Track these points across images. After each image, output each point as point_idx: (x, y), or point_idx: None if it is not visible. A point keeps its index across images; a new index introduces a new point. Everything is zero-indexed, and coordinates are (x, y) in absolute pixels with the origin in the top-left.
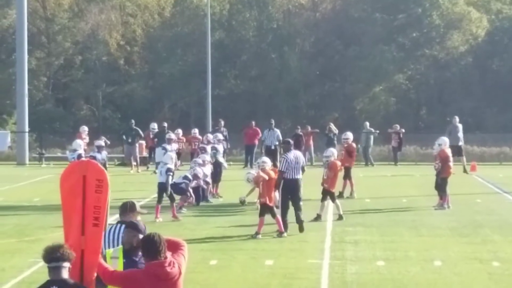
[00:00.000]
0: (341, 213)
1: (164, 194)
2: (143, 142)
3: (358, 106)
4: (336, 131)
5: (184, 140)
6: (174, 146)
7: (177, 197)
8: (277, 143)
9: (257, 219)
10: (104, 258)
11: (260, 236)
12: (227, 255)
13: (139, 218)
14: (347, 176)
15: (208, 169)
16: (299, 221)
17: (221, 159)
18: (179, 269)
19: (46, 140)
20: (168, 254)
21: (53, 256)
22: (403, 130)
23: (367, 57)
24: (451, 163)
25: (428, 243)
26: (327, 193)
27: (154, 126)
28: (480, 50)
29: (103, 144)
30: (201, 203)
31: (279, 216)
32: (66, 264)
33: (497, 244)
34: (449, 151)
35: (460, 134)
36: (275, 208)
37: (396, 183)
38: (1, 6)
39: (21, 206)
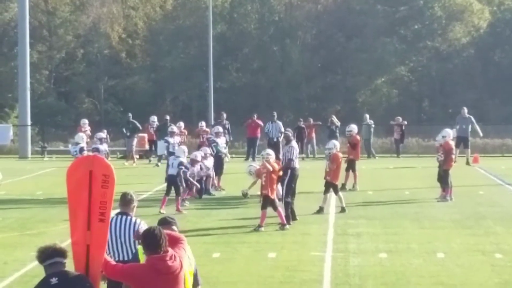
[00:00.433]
0: (344, 205)
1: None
2: (145, 135)
3: (360, 98)
4: (338, 123)
5: (186, 133)
6: (177, 139)
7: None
8: (279, 135)
9: (259, 212)
10: (136, 254)
11: (262, 228)
12: (230, 248)
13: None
14: (352, 168)
15: (210, 162)
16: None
17: (222, 151)
18: (181, 263)
19: (48, 134)
20: (169, 248)
21: (47, 253)
22: (405, 122)
23: (369, 49)
24: (453, 156)
25: (431, 235)
26: (329, 186)
27: (154, 119)
28: (482, 42)
29: (105, 136)
30: (204, 196)
31: (280, 209)
32: (62, 260)
33: (499, 236)
34: (452, 143)
35: (469, 126)
36: (277, 201)
37: (398, 175)
38: None
39: (23, 200)
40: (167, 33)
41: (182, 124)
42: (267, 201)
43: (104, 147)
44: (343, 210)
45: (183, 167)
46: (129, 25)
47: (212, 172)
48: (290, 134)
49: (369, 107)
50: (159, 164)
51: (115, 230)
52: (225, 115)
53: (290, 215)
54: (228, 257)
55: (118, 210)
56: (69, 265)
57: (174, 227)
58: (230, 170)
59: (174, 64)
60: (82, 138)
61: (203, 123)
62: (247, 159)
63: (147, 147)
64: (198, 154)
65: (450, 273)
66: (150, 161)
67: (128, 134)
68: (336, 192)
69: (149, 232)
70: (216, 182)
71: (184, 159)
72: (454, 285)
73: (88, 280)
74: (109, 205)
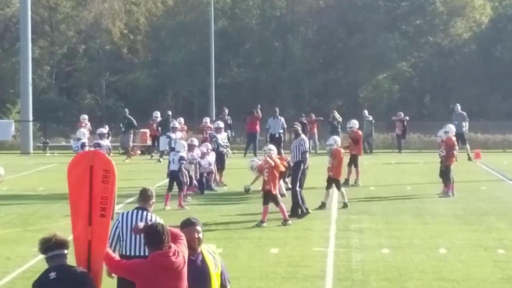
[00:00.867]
0: (346, 201)
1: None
2: (147, 131)
3: (362, 94)
4: (340, 119)
5: (186, 128)
6: (179, 134)
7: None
8: (281, 131)
9: (261, 207)
10: None
11: (265, 224)
12: (232, 244)
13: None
14: (354, 163)
15: (212, 157)
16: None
17: (220, 143)
18: (184, 259)
19: (50, 129)
20: (172, 244)
21: (48, 245)
22: (407, 118)
23: (370, 45)
24: (456, 151)
25: (433, 230)
26: (332, 181)
27: (157, 114)
28: (483, 37)
29: (105, 131)
30: (206, 192)
31: (282, 204)
32: (63, 251)
33: (502, 232)
34: (455, 139)
35: (464, 122)
36: (279, 196)
37: (400, 170)
38: None
39: (25, 195)
40: (168, 28)
41: (182, 120)
42: (269, 197)
43: (106, 142)
44: (345, 205)
45: (184, 162)
46: (130, 21)
47: (214, 168)
48: (299, 128)
49: (371, 102)
50: (161, 159)
51: (131, 224)
52: (227, 111)
53: (301, 207)
54: (231, 253)
55: (120, 205)
56: (71, 261)
57: (198, 227)
58: (231, 165)
59: (175, 59)
60: (83, 133)
61: (207, 119)
62: (245, 155)
63: (149, 142)
64: (195, 139)
65: (452, 268)
66: (152, 156)
67: (123, 129)
68: (338, 187)
69: (152, 228)
70: (218, 177)
71: (185, 154)
72: (456, 280)
73: (87, 275)
74: (110, 201)
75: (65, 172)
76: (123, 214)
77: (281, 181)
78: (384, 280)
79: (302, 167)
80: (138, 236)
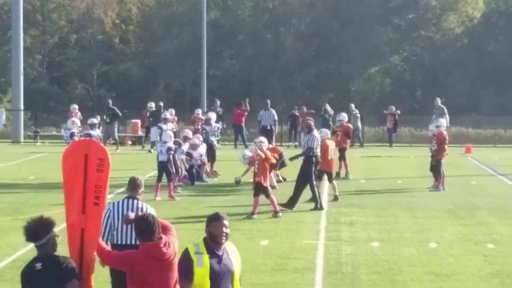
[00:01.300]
0: (337, 194)
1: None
2: (138, 121)
3: (353, 87)
4: (331, 112)
5: (176, 119)
6: (170, 125)
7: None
8: (272, 123)
9: (252, 199)
10: (187, 253)
11: (255, 216)
12: None
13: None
14: (343, 157)
15: (203, 149)
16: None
17: (212, 138)
18: (174, 250)
19: (41, 119)
20: (164, 236)
21: (34, 233)
22: (399, 112)
23: (363, 38)
24: (447, 146)
25: (423, 224)
26: (322, 174)
27: (152, 105)
28: (476, 32)
29: (96, 122)
30: (196, 183)
31: (273, 196)
32: (53, 232)
33: (492, 226)
34: (446, 133)
35: (444, 116)
36: (269, 189)
37: (391, 164)
38: None
39: (16, 184)
40: (160, 19)
41: (173, 111)
42: (259, 189)
43: (97, 132)
44: (336, 198)
45: (172, 152)
46: (122, 11)
47: (205, 159)
48: (312, 124)
49: (362, 96)
50: (152, 150)
51: (122, 213)
52: (218, 102)
53: (318, 200)
54: None
55: (111, 195)
56: (64, 249)
57: (226, 222)
58: (222, 157)
59: (167, 50)
60: (72, 123)
61: (199, 111)
62: (235, 146)
63: (140, 133)
64: (189, 131)
65: (442, 262)
66: (143, 147)
67: (108, 120)
68: (330, 180)
69: (143, 219)
70: (208, 168)
71: (172, 144)
72: (446, 274)
73: (72, 265)
74: (104, 189)
75: (56, 162)
76: (113, 203)
77: (272, 173)
78: (374, 273)
79: (314, 161)
80: (130, 225)
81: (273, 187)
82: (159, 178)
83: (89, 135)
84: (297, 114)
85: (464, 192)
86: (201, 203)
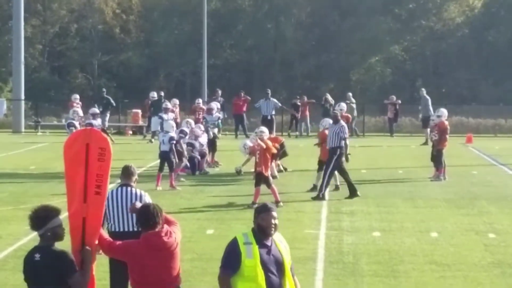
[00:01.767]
0: (338, 183)
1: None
2: (139, 111)
3: (354, 77)
4: (332, 101)
5: (174, 109)
6: (171, 115)
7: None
8: (273, 112)
9: (253, 189)
10: (235, 244)
11: (256, 205)
12: (223, 225)
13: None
14: None
15: (204, 139)
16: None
17: (213, 128)
18: (176, 240)
19: (42, 108)
20: (166, 226)
21: (37, 222)
22: (399, 101)
23: (363, 28)
24: (448, 135)
25: (424, 214)
26: (323, 163)
27: (154, 94)
28: (476, 22)
29: (98, 111)
30: (197, 173)
31: (274, 186)
32: (54, 223)
33: (493, 216)
34: (447, 123)
35: (430, 107)
36: (271, 178)
37: (392, 154)
38: None
39: (17, 174)
40: (161, 8)
41: (177, 101)
42: (260, 178)
43: (98, 122)
44: (337, 188)
45: (174, 142)
46: (123, 0)
47: (206, 149)
48: (338, 114)
49: (363, 85)
50: (153, 140)
51: (117, 201)
52: (220, 92)
53: (323, 190)
54: (222, 234)
55: (112, 185)
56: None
57: (274, 213)
58: (223, 147)
59: (168, 40)
60: (72, 112)
61: (200, 100)
62: (236, 136)
63: (141, 123)
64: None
65: (444, 252)
66: (144, 137)
67: (100, 109)
68: None
69: (145, 209)
70: (209, 158)
71: (174, 134)
72: (447, 264)
73: (70, 258)
74: (105, 178)
75: (57, 151)
76: (109, 192)
77: (273, 163)
78: (375, 263)
79: (338, 152)
80: (125, 212)
81: (274, 177)
82: (160, 168)
83: (91, 124)
84: (299, 103)
85: (465, 182)
86: (202, 193)
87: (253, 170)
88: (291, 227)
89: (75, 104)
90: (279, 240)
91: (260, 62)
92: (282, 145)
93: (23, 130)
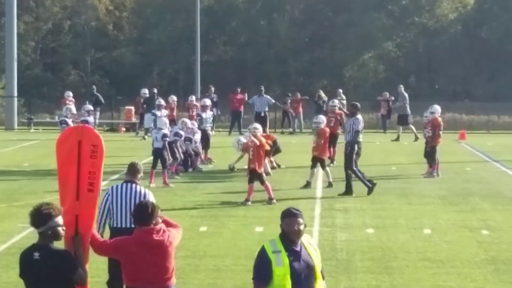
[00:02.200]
0: (331, 180)
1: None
2: (132, 108)
3: (347, 73)
4: (325, 98)
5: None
6: (164, 112)
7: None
8: (266, 109)
9: (246, 186)
10: (264, 252)
11: (250, 203)
12: (217, 222)
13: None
14: (333, 143)
15: (198, 136)
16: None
17: (206, 125)
18: (169, 238)
19: (34, 105)
20: (162, 224)
21: (39, 220)
22: (393, 98)
23: (356, 24)
24: (441, 132)
25: (418, 211)
26: (317, 160)
27: (145, 91)
28: (469, 18)
29: (92, 108)
30: (190, 170)
31: (268, 183)
32: (56, 222)
33: (486, 213)
34: (441, 120)
35: (407, 104)
36: (264, 175)
37: (385, 150)
38: None
39: (10, 171)
40: (154, 5)
41: (174, 98)
42: (254, 175)
43: (91, 119)
44: (330, 185)
45: (167, 139)
46: None
47: (199, 146)
48: (357, 107)
49: (356, 82)
50: (146, 137)
51: (120, 197)
52: (213, 89)
53: (366, 183)
54: (216, 231)
55: (106, 182)
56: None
57: (299, 219)
58: (216, 143)
59: (161, 37)
60: (65, 110)
61: (193, 97)
62: (230, 133)
63: (134, 120)
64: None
65: (437, 249)
66: (137, 133)
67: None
68: (323, 167)
69: (140, 205)
70: (202, 155)
71: (167, 131)
72: (440, 261)
73: (71, 255)
74: (98, 175)
75: (50, 148)
76: (112, 187)
77: (266, 160)
78: (368, 260)
79: (355, 147)
80: (128, 208)
81: (267, 174)
82: (154, 165)
83: (86, 121)
84: (289, 100)
85: (458, 179)
86: (195, 190)
87: (246, 167)
88: None
89: (68, 101)
90: (308, 243)
91: (254, 59)
92: (274, 142)
93: (16, 127)
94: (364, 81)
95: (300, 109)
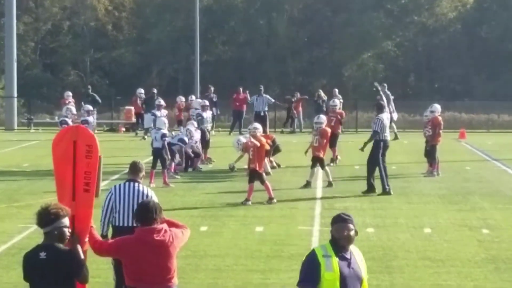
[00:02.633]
0: (331, 180)
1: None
2: (132, 108)
3: (346, 72)
4: (325, 97)
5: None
6: (164, 112)
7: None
8: (266, 109)
9: (246, 185)
10: (314, 255)
11: (250, 202)
12: (217, 222)
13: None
14: (334, 143)
15: (197, 136)
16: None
17: (206, 125)
18: (170, 238)
19: (34, 106)
20: (165, 224)
21: (46, 219)
22: (392, 97)
23: (355, 23)
24: (441, 131)
25: (418, 210)
26: (317, 160)
27: (141, 91)
28: (468, 17)
29: (92, 108)
30: (190, 170)
31: (268, 183)
32: (63, 223)
33: (486, 211)
34: (441, 119)
35: (392, 102)
36: (264, 175)
37: None
38: None
39: (10, 172)
40: (153, 5)
41: (182, 98)
42: (254, 175)
43: (91, 119)
44: (330, 184)
45: (166, 139)
46: None
47: (199, 146)
48: (382, 106)
49: (355, 81)
50: (146, 137)
51: (123, 196)
52: (212, 89)
53: (384, 184)
54: (216, 231)
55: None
56: None
57: (350, 225)
58: (216, 143)
59: (160, 36)
60: (65, 110)
61: (193, 97)
62: (230, 133)
63: (133, 120)
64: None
65: (437, 248)
66: (136, 134)
67: None
68: (322, 166)
69: (143, 205)
70: (202, 155)
71: (166, 131)
72: (441, 260)
73: (76, 256)
74: (93, 175)
75: (50, 149)
76: (115, 186)
77: (266, 160)
78: (369, 260)
79: (381, 145)
80: (130, 207)
81: (267, 173)
82: (153, 165)
83: (86, 121)
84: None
85: (458, 178)
86: (195, 189)
87: (246, 166)
88: (285, 223)
89: (67, 102)
90: (357, 253)
91: (253, 58)
92: (273, 142)
93: (15, 127)
94: (364, 80)
95: (300, 109)
